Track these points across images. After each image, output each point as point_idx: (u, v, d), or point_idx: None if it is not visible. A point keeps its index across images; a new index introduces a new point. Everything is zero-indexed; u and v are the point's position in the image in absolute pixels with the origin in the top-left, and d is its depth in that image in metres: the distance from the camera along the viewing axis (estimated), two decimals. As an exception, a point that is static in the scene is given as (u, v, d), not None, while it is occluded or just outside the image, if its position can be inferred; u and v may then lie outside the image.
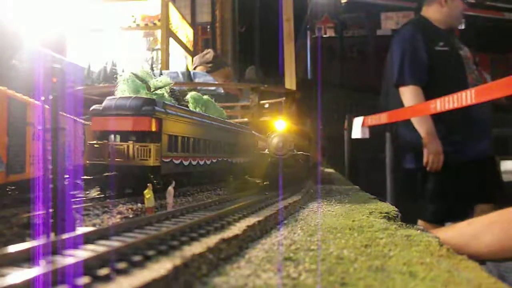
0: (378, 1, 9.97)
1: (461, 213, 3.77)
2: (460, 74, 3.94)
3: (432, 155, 3.87)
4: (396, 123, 4.28)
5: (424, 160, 3.91)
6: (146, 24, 6.77)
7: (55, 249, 0.94)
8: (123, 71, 2.41)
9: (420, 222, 4.09)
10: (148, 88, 2.27)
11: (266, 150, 2.75)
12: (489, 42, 8.36)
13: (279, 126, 2.85)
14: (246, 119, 4.37)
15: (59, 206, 1.07)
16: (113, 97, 2.19)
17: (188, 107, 2.79)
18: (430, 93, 3.71)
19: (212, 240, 1.06)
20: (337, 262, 1.04)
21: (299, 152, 2.79)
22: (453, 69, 3.97)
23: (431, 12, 4.21)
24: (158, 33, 6.85)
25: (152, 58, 7.13)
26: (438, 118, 3.72)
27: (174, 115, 2.26)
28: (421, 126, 3.89)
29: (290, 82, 7.08)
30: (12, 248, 0.89)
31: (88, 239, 1.04)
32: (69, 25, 6.27)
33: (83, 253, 0.93)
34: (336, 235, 1.37)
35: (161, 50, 6.79)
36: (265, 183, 2.71)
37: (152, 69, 4.90)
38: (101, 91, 3.57)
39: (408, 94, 3.95)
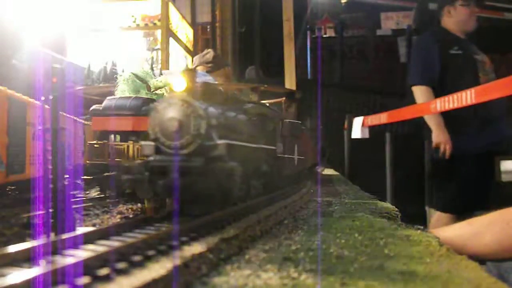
0: (378, 1, 9.96)
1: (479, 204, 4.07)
2: (471, 75, 4.24)
3: (440, 143, 4.30)
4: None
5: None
6: (146, 24, 6.76)
7: (55, 249, 0.94)
8: (123, 71, 2.41)
9: (438, 213, 4.24)
10: (148, 88, 2.27)
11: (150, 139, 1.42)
12: (489, 43, 8.36)
13: (178, 85, 1.41)
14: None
15: (59, 206, 1.07)
16: (113, 97, 2.19)
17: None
18: (442, 92, 4.06)
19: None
20: (337, 262, 1.04)
21: (221, 142, 1.38)
22: (465, 70, 4.29)
23: (446, 23, 4.62)
24: (158, 33, 6.84)
25: (152, 58, 7.12)
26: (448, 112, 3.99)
27: (174, 115, 2.25)
28: (431, 119, 4.32)
29: (290, 82, 7.08)
30: (12, 248, 0.89)
31: (88, 239, 1.04)
32: (69, 25, 6.26)
33: (83, 253, 0.93)
34: (336, 235, 1.37)
35: (161, 50, 6.78)
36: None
37: (152, 69, 4.90)
38: (101, 91, 3.57)
39: (419, 93, 4.38)
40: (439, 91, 4.18)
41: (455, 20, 4.51)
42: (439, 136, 4.35)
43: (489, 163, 4.41)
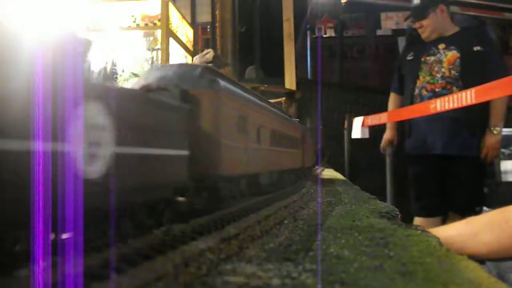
0: (378, 1, 9.97)
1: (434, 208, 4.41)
2: (412, 78, 4.60)
3: (385, 141, 4.86)
4: None
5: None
6: (146, 24, 6.76)
7: (55, 249, 0.94)
8: (123, 71, 2.40)
9: (416, 219, 4.24)
10: (148, 88, 2.27)
11: None
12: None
13: None
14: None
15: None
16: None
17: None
18: (402, 97, 4.78)
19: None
20: (337, 262, 1.05)
21: None
22: (410, 74, 4.65)
23: None
24: (158, 33, 6.85)
25: (152, 58, 7.12)
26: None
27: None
28: None
29: (290, 82, 7.09)
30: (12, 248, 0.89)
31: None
32: (69, 25, 6.26)
33: (83, 253, 0.93)
34: (336, 235, 1.37)
35: (161, 50, 6.78)
36: None
37: (152, 69, 4.88)
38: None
39: (390, 99, 5.01)
40: (402, 96, 4.80)
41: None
42: (386, 133, 4.82)
43: (439, 165, 4.44)
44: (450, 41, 4.51)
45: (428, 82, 4.48)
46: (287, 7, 7.43)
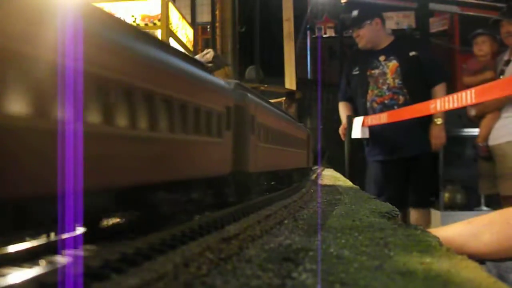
0: (378, 1, 9.96)
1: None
2: (363, 93, 4.92)
3: None
4: None
5: None
6: (146, 24, 6.76)
7: (55, 249, 0.94)
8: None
9: None
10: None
11: None
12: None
13: None
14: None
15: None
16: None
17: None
18: (353, 106, 5.17)
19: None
20: (337, 262, 1.05)
21: None
22: (359, 88, 4.98)
23: None
24: (158, 33, 6.85)
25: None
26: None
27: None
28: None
29: (290, 82, 7.09)
30: (12, 248, 0.89)
31: (88, 238, 1.04)
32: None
33: (83, 253, 0.93)
34: (336, 235, 1.37)
35: (161, 50, 6.77)
36: None
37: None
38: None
39: (339, 107, 5.40)
40: (351, 104, 5.18)
41: None
42: (343, 125, 5.33)
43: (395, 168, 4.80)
44: (388, 52, 4.80)
45: (377, 95, 4.81)
46: (287, 7, 7.44)
